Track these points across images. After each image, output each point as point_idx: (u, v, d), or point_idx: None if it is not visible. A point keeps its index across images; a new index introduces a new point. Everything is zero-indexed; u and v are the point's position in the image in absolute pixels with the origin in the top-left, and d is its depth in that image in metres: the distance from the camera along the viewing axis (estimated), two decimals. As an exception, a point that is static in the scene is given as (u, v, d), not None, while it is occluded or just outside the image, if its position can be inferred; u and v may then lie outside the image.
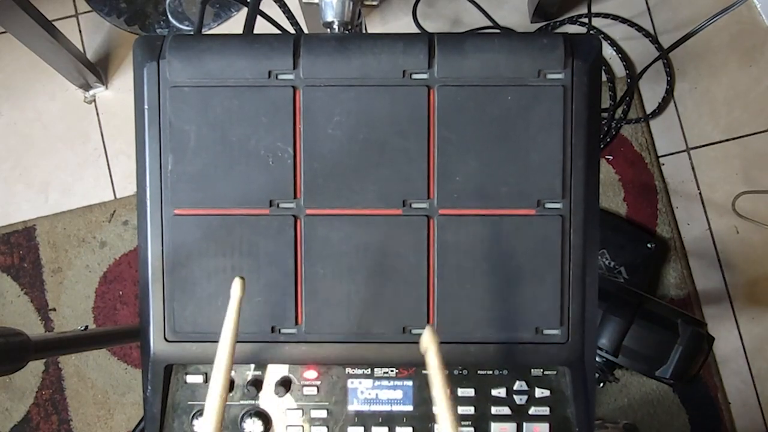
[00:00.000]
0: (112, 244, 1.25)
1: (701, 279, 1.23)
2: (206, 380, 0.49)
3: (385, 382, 0.49)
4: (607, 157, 1.24)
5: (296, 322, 0.47)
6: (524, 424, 0.48)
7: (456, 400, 0.49)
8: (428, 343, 0.40)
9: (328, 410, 0.49)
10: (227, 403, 0.49)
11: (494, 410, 0.49)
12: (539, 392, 0.49)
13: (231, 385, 0.49)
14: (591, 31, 1.24)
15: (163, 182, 0.47)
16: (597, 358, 0.81)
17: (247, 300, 0.47)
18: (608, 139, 1.24)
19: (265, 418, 0.49)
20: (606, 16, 1.28)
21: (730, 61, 1.27)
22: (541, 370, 0.49)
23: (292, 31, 0.77)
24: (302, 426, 0.49)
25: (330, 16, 0.68)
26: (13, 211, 1.27)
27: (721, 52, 1.27)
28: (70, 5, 1.31)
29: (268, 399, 0.49)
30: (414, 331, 0.47)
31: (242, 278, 0.42)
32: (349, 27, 0.69)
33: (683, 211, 1.25)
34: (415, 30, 1.27)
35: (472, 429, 0.48)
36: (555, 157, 0.46)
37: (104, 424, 1.23)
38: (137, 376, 1.23)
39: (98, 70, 1.27)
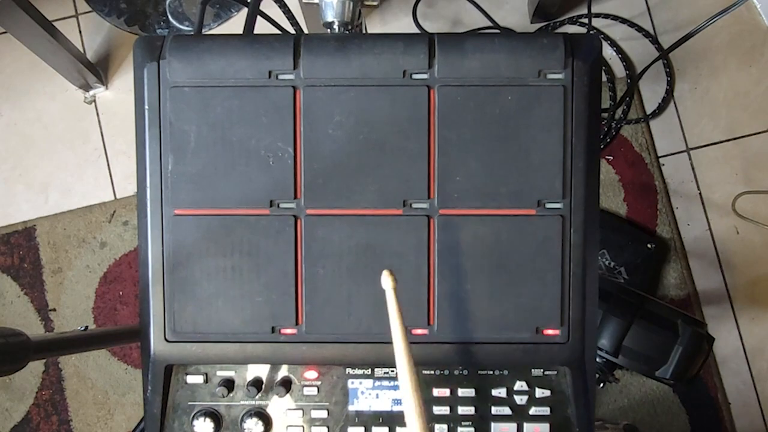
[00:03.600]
0: (112, 245, 1.25)
1: (701, 279, 1.23)
2: (206, 380, 0.49)
3: (385, 383, 0.49)
4: (607, 157, 1.24)
5: (296, 322, 0.47)
6: (524, 424, 0.48)
7: (457, 400, 0.49)
8: (386, 284, 0.40)
9: (328, 410, 0.49)
10: (228, 403, 0.49)
11: (495, 410, 0.49)
12: (540, 392, 0.49)
13: (231, 386, 0.49)
14: (591, 32, 1.24)
15: (164, 182, 0.47)
16: (597, 359, 0.81)
17: (247, 300, 0.47)
18: (608, 140, 1.24)
19: (266, 419, 0.49)
20: (606, 16, 1.28)
21: (730, 61, 1.27)
22: (542, 370, 0.49)
23: (292, 31, 0.77)
24: (302, 426, 0.49)
25: (330, 16, 0.68)
26: (13, 211, 1.27)
27: (721, 52, 1.27)
28: (70, 5, 1.31)
29: (268, 399, 0.49)
30: (414, 332, 0.47)
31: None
32: (349, 27, 0.69)
33: (683, 211, 1.25)
34: (415, 30, 1.27)
35: (472, 429, 0.48)
36: (555, 157, 0.46)
37: (104, 424, 1.23)
38: (137, 376, 1.23)
39: (98, 70, 1.27)
